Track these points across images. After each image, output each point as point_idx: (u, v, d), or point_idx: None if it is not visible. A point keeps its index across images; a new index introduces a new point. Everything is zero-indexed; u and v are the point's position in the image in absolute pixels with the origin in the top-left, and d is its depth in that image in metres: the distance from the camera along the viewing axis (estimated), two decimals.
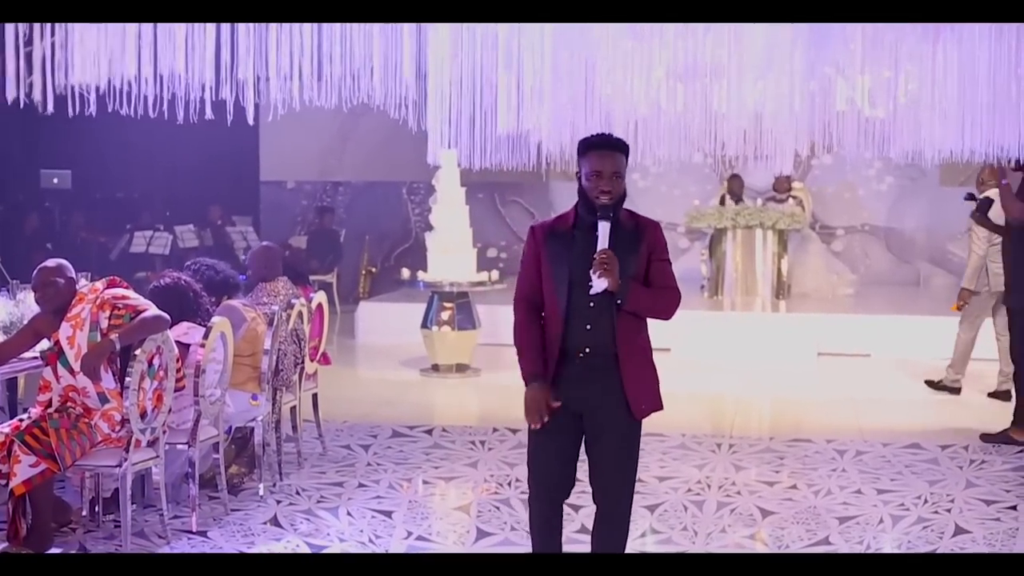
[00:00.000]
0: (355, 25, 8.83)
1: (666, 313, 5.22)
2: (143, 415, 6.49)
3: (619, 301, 5.08)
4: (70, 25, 8.77)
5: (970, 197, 10.13)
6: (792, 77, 9.17)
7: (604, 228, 5.07)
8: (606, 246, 5.05)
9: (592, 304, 5.10)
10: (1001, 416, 9.94)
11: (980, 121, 9.07)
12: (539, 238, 5.26)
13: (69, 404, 6.54)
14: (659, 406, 5.26)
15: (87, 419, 6.49)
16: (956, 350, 11.68)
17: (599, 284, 5.03)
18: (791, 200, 17.08)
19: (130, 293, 6.68)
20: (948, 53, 8.95)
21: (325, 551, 6.77)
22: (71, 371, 6.50)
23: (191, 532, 6.95)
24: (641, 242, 5.16)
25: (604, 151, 5.17)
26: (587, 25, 8.95)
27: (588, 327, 5.13)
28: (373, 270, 19.12)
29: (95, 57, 8.81)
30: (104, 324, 6.49)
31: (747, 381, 12.52)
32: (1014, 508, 7.72)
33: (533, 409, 5.14)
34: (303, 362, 8.58)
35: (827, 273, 17.44)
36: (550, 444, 5.24)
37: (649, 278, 5.17)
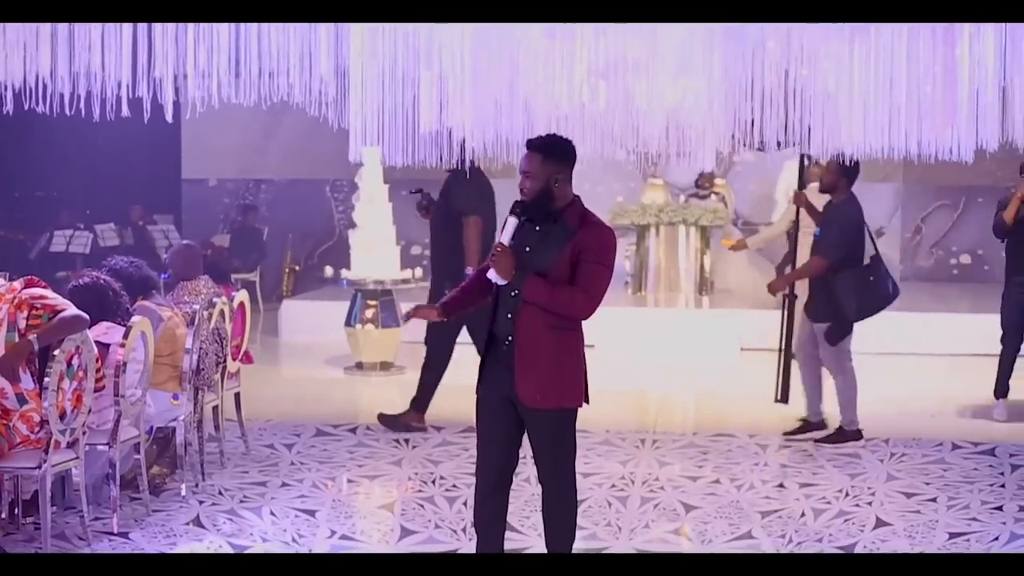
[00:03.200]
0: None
1: (566, 309, 5.45)
2: (62, 416, 6.41)
3: (514, 292, 5.41)
4: None
5: (416, 192, 10.43)
6: (711, 74, 9.21)
7: (510, 223, 5.46)
8: (507, 240, 5.41)
9: (514, 294, 5.42)
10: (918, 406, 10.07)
11: (898, 119, 9.17)
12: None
13: None
14: (562, 402, 5.53)
15: (5, 421, 6.42)
16: None
17: (492, 275, 5.43)
18: (713, 196, 17.19)
19: (48, 293, 6.60)
20: (864, 52, 9.03)
21: (248, 551, 6.73)
22: None
23: (112, 533, 6.89)
24: (569, 242, 5.41)
25: (526, 151, 5.53)
26: (506, 24, 8.94)
27: (509, 316, 5.46)
28: (296, 268, 19.03)
29: (8, 54, 8.69)
30: (22, 324, 6.40)
31: (670, 376, 12.59)
32: (934, 500, 7.82)
33: (416, 308, 5.83)
34: (225, 361, 8.52)
35: (749, 269, 17.55)
36: (489, 426, 5.61)
37: (573, 277, 5.40)
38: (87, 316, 6.59)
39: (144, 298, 7.87)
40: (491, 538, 5.72)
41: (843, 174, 9.33)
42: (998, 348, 10.32)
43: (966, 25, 8.84)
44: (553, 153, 5.52)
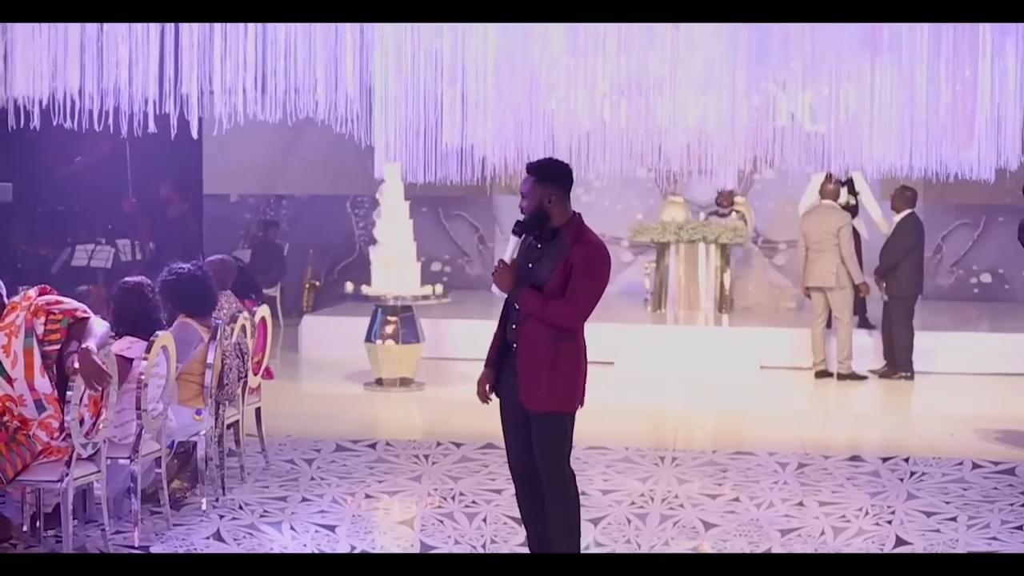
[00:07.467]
0: (298, 39, 8.84)
1: (551, 319, 5.85)
2: (80, 422, 6.43)
3: (517, 305, 5.91)
4: (11, 38, 8.74)
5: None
6: (734, 92, 9.24)
7: (511, 241, 5.93)
8: (509, 256, 5.92)
9: (517, 307, 5.91)
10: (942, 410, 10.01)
11: (919, 138, 9.18)
12: None
13: (6, 417, 6.48)
14: (559, 407, 5.90)
15: (25, 431, 6.45)
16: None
17: (494, 287, 5.94)
18: (734, 214, 17.18)
19: (63, 298, 6.66)
20: (886, 71, 9.05)
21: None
22: (8, 380, 6.44)
23: (133, 547, 6.91)
24: (562, 257, 5.84)
25: (525, 175, 5.99)
26: (529, 40, 8.99)
27: (513, 327, 5.95)
28: (317, 284, 19.05)
29: (37, 70, 8.76)
30: (40, 331, 6.45)
31: (690, 394, 12.58)
32: (954, 520, 7.80)
33: (478, 391, 6.15)
34: (246, 376, 8.54)
35: (769, 287, 17.54)
36: (507, 430, 6.10)
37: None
38: (108, 325, 6.66)
39: (190, 315, 7.87)
40: (536, 530, 6.14)
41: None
42: (1019, 367, 10.28)
43: (987, 45, 8.86)
44: (545, 176, 5.94)
